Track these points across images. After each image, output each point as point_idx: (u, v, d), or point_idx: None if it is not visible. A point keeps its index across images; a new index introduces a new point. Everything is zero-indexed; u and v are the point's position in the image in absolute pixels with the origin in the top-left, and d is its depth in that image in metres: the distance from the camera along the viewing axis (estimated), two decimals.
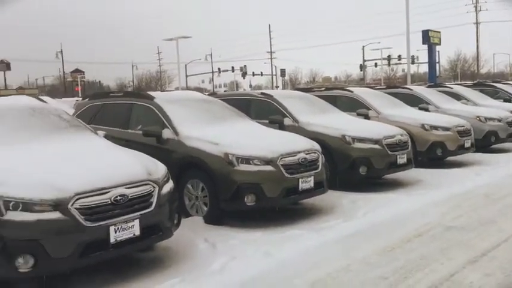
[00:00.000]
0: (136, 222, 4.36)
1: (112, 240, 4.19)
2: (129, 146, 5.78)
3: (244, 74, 59.18)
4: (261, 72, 62.68)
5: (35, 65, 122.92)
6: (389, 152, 7.99)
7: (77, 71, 59.69)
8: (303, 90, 11.63)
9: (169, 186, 4.89)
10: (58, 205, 4.01)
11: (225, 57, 75.48)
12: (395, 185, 8.36)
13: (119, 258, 4.77)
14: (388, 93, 11.99)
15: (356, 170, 7.73)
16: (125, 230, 4.27)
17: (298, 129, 8.09)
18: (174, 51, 39.14)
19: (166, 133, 6.59)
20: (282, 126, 8.26)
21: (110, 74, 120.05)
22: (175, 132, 6.53)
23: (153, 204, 4.53)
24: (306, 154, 6.37)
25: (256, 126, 7.42)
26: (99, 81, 74.44)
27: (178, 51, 38.66)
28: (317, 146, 6.75)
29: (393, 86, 17.81)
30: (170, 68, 73.43)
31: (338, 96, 10.93)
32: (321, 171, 6.53)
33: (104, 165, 4.73)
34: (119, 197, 4.28)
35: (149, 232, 4.52)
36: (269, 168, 5.96)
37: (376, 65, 58.95)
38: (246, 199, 5.83)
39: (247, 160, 5.92)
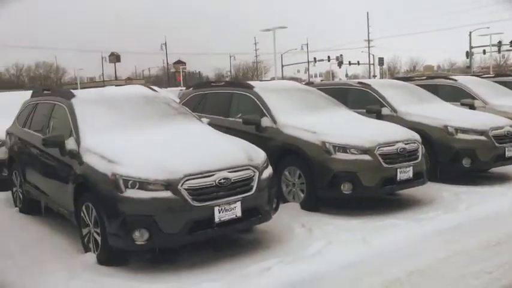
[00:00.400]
0: (238, 205, 4.62)
1: (216, 219, 4.50)
2: (229, 134, 6.07)
3: (340, 64, 58.22)
4: (358, 62, 61.27)
5: (142, 57, 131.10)
6: (497, 144, 7.54)
7: (179, 62, 62.71)
8: (403, 79, 11.28)
9: (268, 171, 5.10)
10: (169, 185, 4.39)
11: (321, 47, 74.67)
12: (503, 179, 7.88)
13: (221, 238, 5.11)
14: (497, 82, 11.23)
15: (459, 162, 7.41)
16: (227, 211, 4.56)
17: (396, 119, 7.93)
18: (271, 41, 39.59)
19: (265, 121, 6.82)
20: (379, 116, 8.13)
21: (209, 64, 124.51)
22: (274, 121, 6.74)
23: (254, 188, 4.77)
24: (405, 144, 6.26)
25: (354, 116, 7.40)
26: (199, 72, 77.38)
27: (274, 42, 39.06)
28: (417, 136, 6.59)
29: (503, 74, 16.60)
30: (266, 58, 74.44)
31: (440, 85, 10.46)
32: (421, 161, 6.38)
33: (209, 150, 5.06)
34: (222, 180, 4.57)
35: (249, 214, 4.76)
36: (366, 157, 5.95)
37: (484, 52, 54.91)
38: (342, 187, 5.89)
39: (344, 149, 5.97)
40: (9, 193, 7.27)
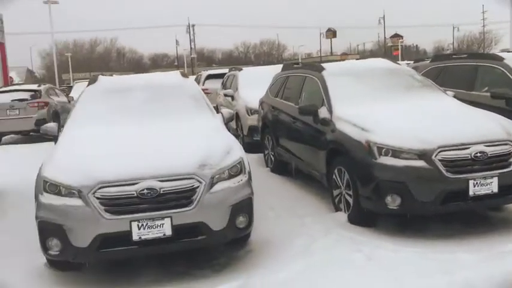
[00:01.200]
0: (495, 180, 4.46)
1: (471, 193, 4.44)
2: None
3: None
4: None
5: (357, 32, 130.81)
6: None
7: (396, 35, 60.70)
8: None
9: None
10: (423, 155, 4.49)
11: None
12: None
13: (470, 213, 5.02)
14: None
15: None
16: (483, 185, 4.45)
17: None
18: (504, 9, 35.16)
19: None
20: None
21: (427, 37, 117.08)
22: None
23: None
24: None
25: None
26: (416, 45, 73.71)
27: None
28: None
29: None
30: (496, 27, 66.50)
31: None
32: None
33: (462, 123, 4.97)
34: (478, 154, 4.47)
35: (506, 191, 4.56)
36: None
37: None
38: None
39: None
40: (260, 155, 8.35)
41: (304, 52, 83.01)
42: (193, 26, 60.57)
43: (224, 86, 11.99)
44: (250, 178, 4.39)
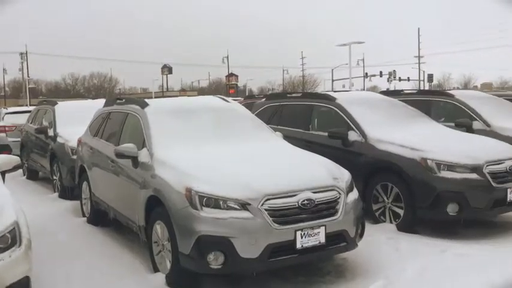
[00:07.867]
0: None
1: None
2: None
3: (390, 79, 56.09)
4: (408, 78, 58.54)
5: (200, 70, 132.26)
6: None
7: (232, 75, 62.44)
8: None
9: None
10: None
11: (374, 62, 72.05)
12: None
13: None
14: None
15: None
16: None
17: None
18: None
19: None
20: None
21: (261, 78, 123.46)
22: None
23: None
24: None
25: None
26: (244, 85, 75.43)
27: (350, 56, 38.06)
28: None
29: None
30: (316, 72, 73.61)
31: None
32: None
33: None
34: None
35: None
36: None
37: None
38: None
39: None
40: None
41: (141, 87, 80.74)
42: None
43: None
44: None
